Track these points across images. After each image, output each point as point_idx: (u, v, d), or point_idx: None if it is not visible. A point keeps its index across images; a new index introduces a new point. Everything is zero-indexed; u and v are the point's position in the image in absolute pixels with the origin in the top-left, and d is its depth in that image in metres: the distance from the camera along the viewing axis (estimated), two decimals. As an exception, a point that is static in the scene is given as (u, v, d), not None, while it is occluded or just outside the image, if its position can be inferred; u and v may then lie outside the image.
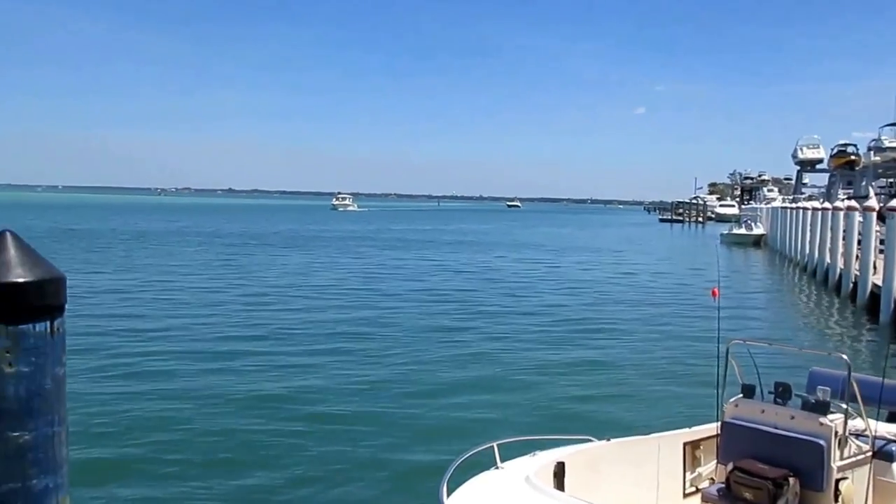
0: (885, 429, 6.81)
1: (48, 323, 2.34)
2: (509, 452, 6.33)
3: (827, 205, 36.38)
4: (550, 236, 76.02)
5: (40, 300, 2.31)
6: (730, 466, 6.42)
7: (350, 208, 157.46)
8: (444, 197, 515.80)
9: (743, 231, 65.93)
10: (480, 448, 6.27)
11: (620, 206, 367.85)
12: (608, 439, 6.90)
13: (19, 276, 2.26)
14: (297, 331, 19.45)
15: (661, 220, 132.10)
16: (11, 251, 2.29)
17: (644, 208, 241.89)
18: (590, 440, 6.87)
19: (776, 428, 6.43)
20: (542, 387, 14.35)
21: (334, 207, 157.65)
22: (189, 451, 10.47)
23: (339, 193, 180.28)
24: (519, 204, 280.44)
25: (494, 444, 6.25)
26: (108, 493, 8.94)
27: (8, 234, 2.34)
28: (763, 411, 6.58)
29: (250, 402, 12.84)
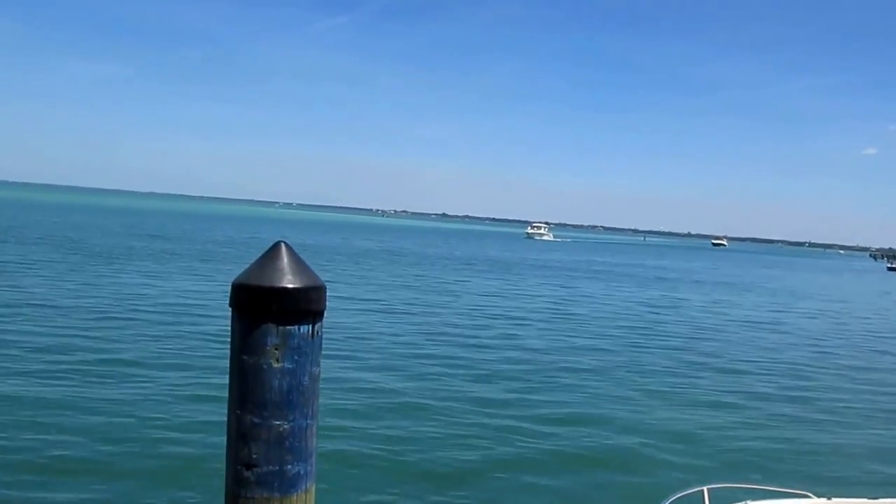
0: None
1: (310, 326, 2.57)
2: (720, 499, 6.09)
3: None
4: (761, 278, 71.70)
5: (305, 305, 2.54)
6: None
7: (545, 237, 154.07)
8: (650, 232, 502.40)
9: None
10: (690, 491, 6.08)
11: (841, 252, 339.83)
12: (829, 498, 6.44)
13: (290, 282, 2.52)
14: (504, 353, 19.73)
15: (890, 269, 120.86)
16: (284, 260, 2.56)
17: (870, 255, 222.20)
18: (807, 496, 6.44)
19: None
20: (758, 432, 13.68)
21: (529, 236, 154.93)
22: (419, 449, 11.21)
23: (535, 222, 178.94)
24: (725, 243, 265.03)
25: (705, 489, 6.03)
26: (350, 484, 9.60)
27: (282, 244, 2.61)
28: None
29: (470, 412, 13.54)
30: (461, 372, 17.08)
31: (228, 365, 2.61)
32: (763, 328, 30.62)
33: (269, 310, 2.50)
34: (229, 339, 2.60)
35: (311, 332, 2.59)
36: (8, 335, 17.19)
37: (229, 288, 2.59)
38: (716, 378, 18.68)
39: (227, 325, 2.66)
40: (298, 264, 2.59)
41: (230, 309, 2.58)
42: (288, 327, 2.52)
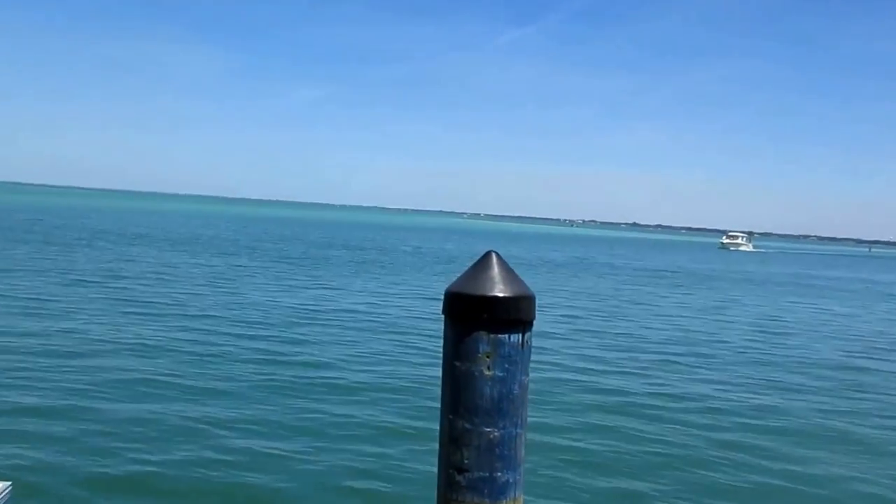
0: None
1: (520, 335, 2.60)
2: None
3: None
4: None
5: (515, 314, 2.58)
6: None
7: (742, 248, 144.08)
8: (879, 242, 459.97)
9: None
10: None
11: None
12: None
13: (501, 291, 2.56)
14: (695, 373, 18.99)
15: None
16: (495, 269, 2.61)
17: None
18: None
19: None
20: None
21: (724, 246, 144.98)
22: (621, 463, 11.11)
23: (731, 231, 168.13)
24: None
25: None
26: (555, 498, 9.60)
27: (493, 254, 2.66)
28: None
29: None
30: (655, 387, 16.68)
31: (441, 370, 2.70)
32: None
33: (481, 318, 2.55)
34: (441, 345, 2.69)
35: (521, 341, 2.62)
36: (228, 341, 18.78)
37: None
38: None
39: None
40: (509, 274, 2.63)
41: (443, 316, 2.67)
42: (499, 336, 2.57)
